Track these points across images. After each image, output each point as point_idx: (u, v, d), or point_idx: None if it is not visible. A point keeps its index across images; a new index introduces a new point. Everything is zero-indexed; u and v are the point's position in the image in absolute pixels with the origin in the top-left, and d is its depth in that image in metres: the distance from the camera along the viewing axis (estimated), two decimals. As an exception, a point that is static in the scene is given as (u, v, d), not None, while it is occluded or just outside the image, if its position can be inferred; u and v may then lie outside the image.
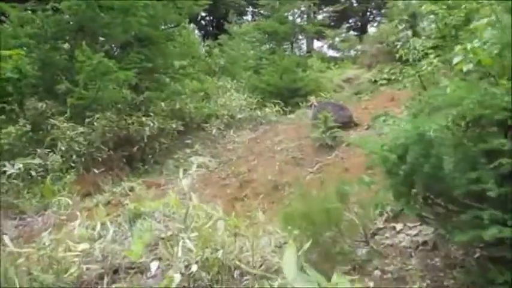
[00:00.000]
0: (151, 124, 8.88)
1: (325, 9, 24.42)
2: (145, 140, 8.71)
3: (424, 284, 3.17)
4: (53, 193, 6.67)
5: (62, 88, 8.65)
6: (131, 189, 7.25)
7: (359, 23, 27.99)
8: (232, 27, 19.80)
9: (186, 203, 3.75)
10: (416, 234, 3.79)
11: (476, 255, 3.15)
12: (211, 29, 27.63)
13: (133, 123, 8.73)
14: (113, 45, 10.93)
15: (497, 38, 2.78)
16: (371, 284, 3.25)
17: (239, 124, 11.01)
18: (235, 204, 6.32)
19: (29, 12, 9.20)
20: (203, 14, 25.63)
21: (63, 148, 7.71)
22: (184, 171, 6.82)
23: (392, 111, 7.97)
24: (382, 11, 22.71)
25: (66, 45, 9.76)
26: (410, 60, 6.28)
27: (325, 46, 23.55)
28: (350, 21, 27.60)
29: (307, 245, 2.92)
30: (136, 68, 9.08)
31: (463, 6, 5.47)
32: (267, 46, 18.74)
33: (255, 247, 3.20)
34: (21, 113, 8.52)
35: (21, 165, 6.92)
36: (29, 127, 8.15)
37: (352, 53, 20.55)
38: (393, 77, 6.94)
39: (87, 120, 8.32)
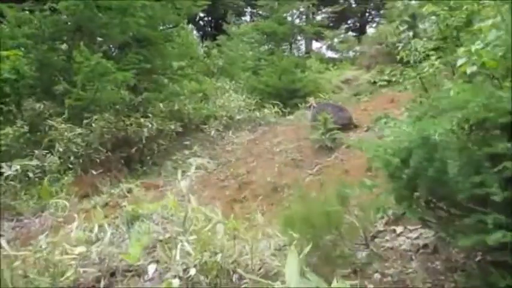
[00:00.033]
0: (150, 125, 8.84)
1: (324, 10, 24.43)
2: (144, 141, 8.66)
3: (425, 288, 3.14)
4: (50, 195, 6.64)
5: (59, 89, 8.62)
6: (129, 190, 7.22)
7: (358, 24, 28.00)
8: (231, 27, 19.80)
9: (184, 205, 3.73)
10: (417, 237, 3.75)
11: (478, 258, 3.12)
12: (209, 29, 27.62)
13: (131, 124, 8.68)
14: (111, 46, 10.91)
15: (502, 39, 2.75)
16: (371, 287, 3.22)
17: (238, 125, 10.97)
18: (234, 206, 6.29)
19: (27, 12, 9.14)
20: (201, 14, 25.61)
21: (60, 149, 7.66)
22: (183, 172, 6.79)
23: (392, 113, 7.95)
24: (381, 11, 22.73)
25: (64, 46, 9.70)
26: (412, 61, 6.24)
27: (324, 47, 23.56)
28: (349, 22, 27.64)
29: (307, 249, 2.90)
30: (134, 68, 9.04)
31: (465, 7, 5.45)
32: (266, 47, 18.74)
33: (254, 250, 3.18)
34: (18, 114, 8.47)
35: (18, 167, 6.87)
36: (26, 128, 8.08)
37: (351, 54, 20.57)
38: (394, 79, 6.89)
39: (85, 121, 8.27)
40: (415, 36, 6.65)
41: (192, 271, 3.00)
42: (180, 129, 9.68)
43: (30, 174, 7.03)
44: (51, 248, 3.36)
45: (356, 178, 5.49)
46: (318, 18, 23.27)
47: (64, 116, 8.17)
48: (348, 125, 8.60)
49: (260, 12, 22.42)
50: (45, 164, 7.31)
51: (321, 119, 7.81)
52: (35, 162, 7.24)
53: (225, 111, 11.16)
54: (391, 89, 11.29)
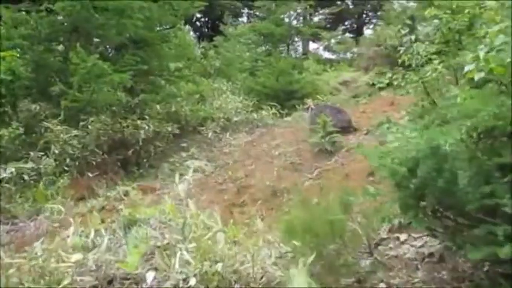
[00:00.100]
0: (147, 127, 8.75)
1: (321, 11, 24.35)
2: (141, 144, 8.57)
3: (432, 298, 3.08)
4: (45, 197, 6.57)
5: (55, 90, 8.53)
6: (126, 193, 7.15)
7: (355, 25, 27.97)
8: (228, 28, 19.69)
9: (182, 209, 3.65)
10: (422, 246, 3.69)
11: (486, 268, 3.05)
12: (206, 30, 27.51)
13: (128, 126, 8.59)
14: (108, 47, 10.82)
15: (510, 45, 2.68)
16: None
17: (235, 127, 10.89)
18: (233, 211, 6.22)
19: (23, 13, 9.07)
20: (198, 15, 25.49)
21: (56, 151, 7.58)
22: (180, 175, 6.69)
23: (392, 116, 7.88)
24: (378, 13, 22.71)
25: (60, 47, 9.64)
26: (413, 65, 6.18)
27: (321, 48, 23.56)
28: (346, 23, 27.60)
29: (311, 258, 2.83)
30: (131, 70, 8.95)
31: (467, 11, 5.40)
32: (263, 48, 18.72)
33: (255, 258, 3.10)
34: (14, 115, 8.40)
35: (13, 169, 6.81)
36: (22, 130, 7.99)
37: (348, 55, 20.54)
38: (395, 83, 6.82)
39: (81, 123, 8.19)
40: (415, 39, 6.58)
41: (192, 281, 2.92)
42: (177, 131, 9.58)
43: (26, 177, 6.97)
44: (46, 255, 3.29)
45: (357, 183, 5.44)
46: (315, 19, 23.20)
47: (60, 118, 8.09)
48: (347, 128, 8.52)
49: (257, 13, 22.33)
50: (41, 166, 7.24)
51: (320, 121, 7.73)
52: (30, 164, 7.18)
53: (222, 113, 11.08)
54: (391, 91, 11.23)
